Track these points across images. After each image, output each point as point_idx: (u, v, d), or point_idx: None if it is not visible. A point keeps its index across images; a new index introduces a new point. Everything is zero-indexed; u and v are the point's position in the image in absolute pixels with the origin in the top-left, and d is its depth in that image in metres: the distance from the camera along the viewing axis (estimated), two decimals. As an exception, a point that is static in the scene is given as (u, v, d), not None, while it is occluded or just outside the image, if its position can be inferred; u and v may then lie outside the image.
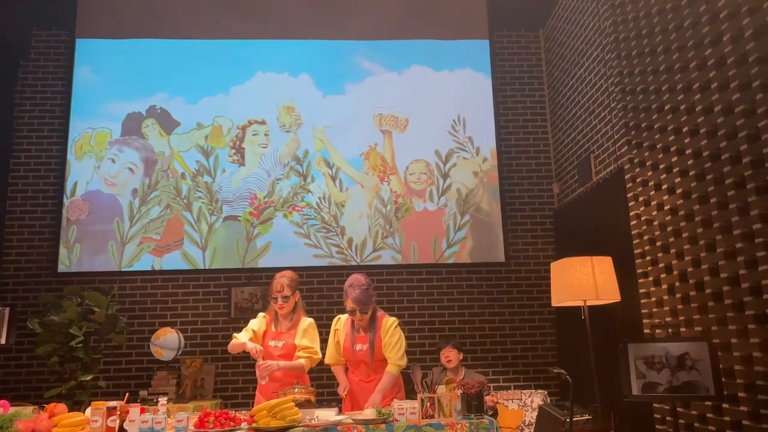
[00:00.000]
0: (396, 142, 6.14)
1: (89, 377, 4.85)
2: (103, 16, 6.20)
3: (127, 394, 3.44)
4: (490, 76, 6.32)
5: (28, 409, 3.11)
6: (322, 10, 6.35)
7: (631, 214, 4.49)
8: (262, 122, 6.10)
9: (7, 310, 4.90)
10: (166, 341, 5.11)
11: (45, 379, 5.31)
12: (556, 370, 3.75)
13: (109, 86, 6.09)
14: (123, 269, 5.73)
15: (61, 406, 3.04)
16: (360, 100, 6.18)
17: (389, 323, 3.59)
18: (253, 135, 6.06)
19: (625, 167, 4.59)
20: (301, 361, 3.56)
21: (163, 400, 3.08)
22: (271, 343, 3.65)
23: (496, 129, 6.23)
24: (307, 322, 3.70)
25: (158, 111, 6.07)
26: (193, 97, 6.10)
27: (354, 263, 5.86)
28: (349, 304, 3.55)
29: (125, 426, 2.92)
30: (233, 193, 5.93)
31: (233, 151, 6.02)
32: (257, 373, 3.47)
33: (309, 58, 6.24)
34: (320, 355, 3.66)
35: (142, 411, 2.96)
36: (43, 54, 6.20)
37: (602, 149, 5.07)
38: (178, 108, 6.08)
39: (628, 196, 4.53)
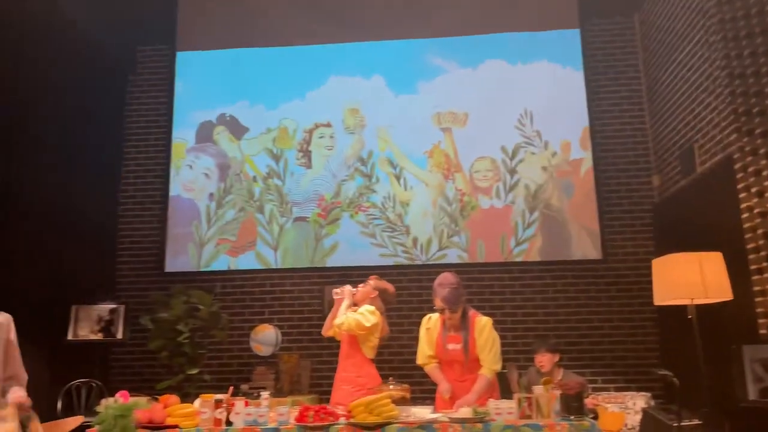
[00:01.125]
0: (460, 138, 6.06)
1: (195, 371, 5.13)
2: (197, 30, 6.52)
3: (231, 387, 3.61)
4: (582, 67, 6.09)
5: (144, 400, 3.33)
6: (402, 11, 6.34)
7: (742, 206, 4.18)
8: (328, 125, 6.21)
9: (122, 308, 5.29)
10: (265, 337, 5.32)
11: (157, 373, 5.66)
12: (661, 372, 3.57)
13: (193, 97, 6.41)
14: (201, 269, 6.02)
15: (174, 398, 3.24)
16: (429, 99, 6.14)
17: (483, 323, 3.54)
18: (320, 138, 6.20)
19: (735, 156, 4.28)
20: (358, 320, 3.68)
21: (265, 394, 3.21)
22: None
23: (589, 121, 6.00)
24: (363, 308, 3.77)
25: (227, 118, 6.33)
26: (272, 103, 6.30)
27: (419, 262, 5.85)
28: (438, 303, 3.53)
29: (231, 418, 3.06)
30: (302, 195, 6.10)
31: (300, 154, 6.18)
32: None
33: (382, 59, 6.28)
34: (368, 324, 3.68)
35: (246, 404, 3.10)
36: (148, 68, 6.62)
37: (707, 138, 4.76)
38: (253, 114, 6.29)
39: (739, 187, 4.22)
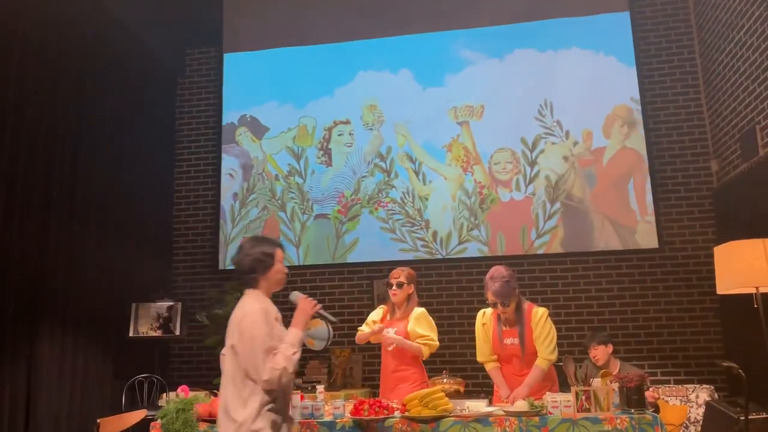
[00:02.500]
0: (479, 131, 5.98)
1: (250, 366, 5.23)
2: (242, 32, 6.62)
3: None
4: (633, 50, 5.91)
5: (203, 394, 3.43)
6: (433, 2, 6.30)
7: (810, 189, 3.98)
8: (347, 122, 6.22)
9: (179, 305, 5.45)
10: (317, 331, 5.33)
11: (213, 367, 5.77)
12: (725, 364, 3.44)
13: (228, 98, 6.56)
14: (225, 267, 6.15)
15: (232, 392, 3.30)
16: (450, 92, 6.09)
17: (539, 314, 3.46)
18: (339, 135, 6.22)
19: (801, 137, 4.07)
20: (421, 346, 3.66)
21: (320, 387, 3.25)
22: (386, 332, 3.75)
23: (642, 105, 5.81)
24: (419, 311, 3.78)
25: (248, 119, 6.43)
26: (300, 101, 6.36)
27: (439, 256, 5.82)
28: (490, 297, 3.47)
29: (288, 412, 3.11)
30: (322, 193, 6.16)
31: (321, 152, 6.22)
32: (383, 343, 3.73)
33: (410, 53, 6.24)
34: (437, 344, 3.74)
35: (302, 398, 3.14)
36: (196, 71, 6.78)
37: (770, 119, 4.54)
38: (278, 114, 6.36)
39: (806, 169, 4.01)
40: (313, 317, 2.66)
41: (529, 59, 6.06)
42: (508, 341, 3.50)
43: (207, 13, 6.50)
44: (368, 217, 6.06)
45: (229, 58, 6.61)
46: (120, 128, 5.62)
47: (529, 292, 5.59)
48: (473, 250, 5.83)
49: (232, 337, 2.53)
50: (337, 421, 3.03)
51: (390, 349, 3.71)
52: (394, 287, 3.78)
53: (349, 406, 3.11)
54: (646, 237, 5.63)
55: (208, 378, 5.72)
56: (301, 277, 6.07)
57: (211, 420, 3.09)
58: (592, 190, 5.77)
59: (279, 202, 6.24)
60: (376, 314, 3.95)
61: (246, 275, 2.64)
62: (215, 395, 3.44)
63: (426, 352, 3.69)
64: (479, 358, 3.66)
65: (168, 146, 6.54)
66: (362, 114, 6.25)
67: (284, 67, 6.48)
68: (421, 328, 3.70)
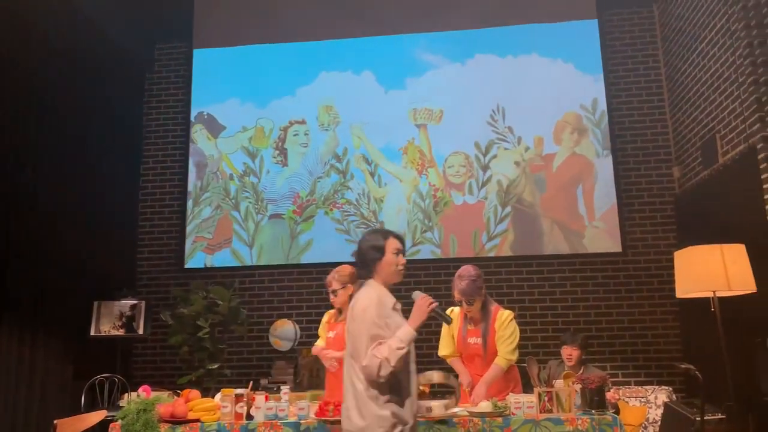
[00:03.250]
0: (435, 134, 6.05)
1: (215, 366, 5.18)
2: (213, 28, 6.54)
3: (251, 382, 3.63)
4: (599, 58, 6.02)
5: (166, 394, 3.37)
6: (403, 4, 6.33)
7: (765, 197, 4.11)
8: (302, 122, 6.22)
9: (143, 304, 5.35)
10: (284, 332, 5.36)
11: (177, 367, 5.72)
12: (683, 366, 3.53)
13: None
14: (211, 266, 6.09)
15: (195, 392, 3.27)
16: (407, 95, 6.14)
17: (504, 316, 3.51)
18: (294, 135, 6.21)
19: (758, 146, 4.20)
20: None
21: (285, 388, 3.23)
22: (329, 334, 3.77)
23: (608, 113, 5.93)
24: None
25: (205, 117, 6.38)
26: (262, 100, 6.32)
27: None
28: (456, 295, 3.52)
29: (252, 412, 3.09)
30: (277, 193, 6.13)
31: (277, 152, 6.20)
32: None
33: (373, 54, 6.26)
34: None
35: (266, 399, 3.12)
36: (165, 66, 6.67)
37: (729, 128, 4.68)
38: (238, 112, 6.32)
39: (762, 177, 4.15)
40: (430, 315, 2.58)
41: (489, 64, 6.14)
42: (471, 340, 3.54)
43: (178, 9, 6.39)
44: (323, 218, 6.06)
45: (198, 54, 6.52)
46: (84, 123, 5.50)
47: (495, 294, 5.66)
48: (426, 252, 5.88)
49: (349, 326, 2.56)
50: (302, 422, 3.01)
51: (333, 370, 3.61)
52: (330, 295, 3.75)
53: (314, 407, 3.10)
54: (594, 241, 5.74)
55: (171, 378, 5.63)
56: (250, 278, 6.03)
57: (174, 421, 3.05)
58: (542, 195, 5.87)
59: (233, 201, 6.19)
60: (322, 326, 3.91)
61: (364, 268, 2.65)
62: (178, 395, 3.39)
63: None
64: (440, 352, 3.71)
65: (134, 142, 6.42)
66: (318, 114, 6.25)
67: (251, 65, 6.43)
68: None
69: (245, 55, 6.45)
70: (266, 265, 6.04)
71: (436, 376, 3.24)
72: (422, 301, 2.58)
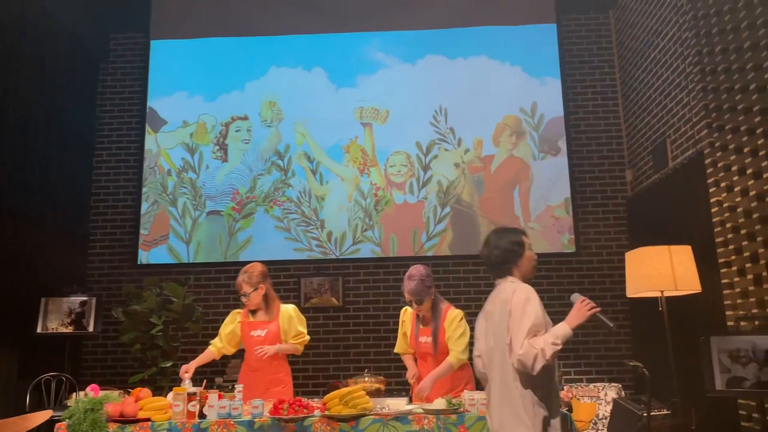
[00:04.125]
0: (378, 133, 6.09)
1: (169, 364, 5.08)
2: (170, 18, 6.42)
3: (205, 380, 3.58)
4: (558, 61, 6.15)
5: (115, 393, 3.29)
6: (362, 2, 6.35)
7: (712, 200, 4.26)
8: (245, 118, 6.18)
9: (93, 300, 5.20)
10: (240, 330, 5.26)
11: (129, 366, 5.59)
12: (632, 363, 3.63)
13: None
14: (173, 262, 5.98)
15: (146, 391, 3.20)
16: (355, 93, 6.16)
17: (454, 315, 3.54)
18: (236, 131, 6.16)
19: (705, 151, 4.36)
20: (296, 346, 3.70)
21: (239, 387, 3.19)
22: (253, 333, 3.68)
23: (565, 115, 6.05)
24: (290, 308, 3.76)
25: (147, 110, 6.27)
26: (211, 94, 6.25)
27: (333, 256, 5.89)
28: (406, 295, 3.54)
29: (204, 411, 3.04)
30: (216, 189, 6.07)
31: (217, 147, 6.14)
32: (249, 357, 3.65)
33: (325, 51, 6.25)
34: (308, 338, 3.77)
35: (220, 397, 3.07)
36: (121, 56, 6.50)
37: (679, 133, 4.84)
38: (180, 106, 6.22)
39: (709, 181, 4.30)
40: (592, 321, 2.51)
41: (438, 65, 6.20)
42: (422, 339, 3.57)
43: (134, 1, 6.25)
44: (263, 215, 6.01)
45: (156, 46, 6.38)
46: (33, 113, 5.30)
47: (453, 293, 5.72)
48: (366, 250, 5.91)
49: (500, 326, 2.47)
50: (256, 420, 2.98)
51: (265, 357, 3.60)
52: (243, 299, 3.71)
53: (268, 405, 3.07)
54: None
55: (123, 377, 5.51)
56: (205, 274, 5.94)
57: (123, 420, 2.97)
58: (480, 196, 5.97)
59: (170, 197, 6.09)
60: (228, 327, 3.78)
61: (499, 267, 2.59)
62: (128, 394, 3.31)
63: (300, 350, 3.75)
64: (396, 350, 3.80)
65: (87, 134, 6.23)
66: (261, 110, 6.20)
67: (205, 58, 6.33)
68: (293, 326, 3.71)
69: (201, 48, 6.35)
70: (222, 262, 5.96)
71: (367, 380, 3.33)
72: (582, 305, 2.51)
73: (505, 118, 6.09)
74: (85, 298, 5.18)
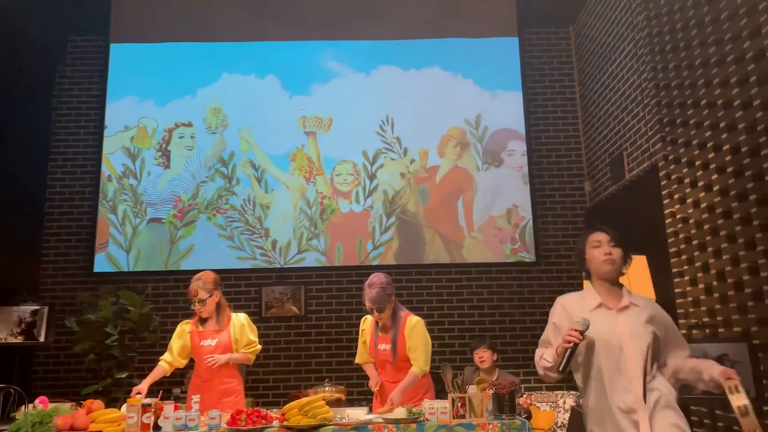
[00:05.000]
0: (324, 142, 6.10)
1: (124, 375, 4.94)
2: (133, 22, 6.31)
3: (162, 391, 3.50)
4: (519, 73, 6.26)
5: (67, 406, 3.18)
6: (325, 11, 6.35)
7: (666, 212, 4.39)
8: (189, 124, 6.12)
9: (45, 309, 5.04)
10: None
11: (82, 377, 5.42)
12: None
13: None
14: (132, 270, 5.84)
15: (98, 403, 3.10)
16: (313, 101, 6.16)
17: (413, 323, 3.53)
18: (180, 137, 6.10)
19: (660, 164, 4.49)
20: (248, 355, 3.66)
21: (196, 398, 3.12)
22: (204, 343, 3.63)
23: (526, 127, 6.16)
24: (241, 317, 3.74)
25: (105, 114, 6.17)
26: (162, 99, 6.16)
27: (277, 265, 5.85)
28: (367, 304, 3.52)
29: (160, 423, 2.96)
30: (158, 196, 5.98)
31: (159, 153, 6.07)
32: (200, 367, 3.57)
33: (280, 59, 6.24)
34: (260, 347, 3.74)
35: (176, 408, 3.00)
36: (79, 59, 6.35)
37: (635, 146, 4.97)
38: (126, 111, 6.12)
39: (663, 193, 4.43)
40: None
41: (390, 76, 6.24)
42: (381, 347, 3.56)
43: (94, 1, 6.11)
44: (206, 223, 5.93)
45: (115, 49, 6.25)
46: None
47: (416, 301, 5.74)
48: (311, 259, 5.89)
49: None
50: (213, 431, 2.92)
51: (215, 366, 3.54)
52: (196, 305, 3.64)
53: (226, 417, 3.01)
54: (473, 252, 5.93)
55: (76, 388, 5.33)
56: (164, 283, 5.83)
57: (73, 433, 2.88)
58: (425, 206, 6.03)
59: (110, 203, 5.96)
60: (178, 340, 3.72)
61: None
62: (80, 406, 3.20)
63: (252, 359, 3.71)
64: (357, 359, 3.75)
65: (42, 138, 6.05)
66: (206, 117, 6.13)
67: (161, 62, 6.23)
68: (245, 335, 3.67)
69: (159, 53, 6.26)
70: (182, 270, 5.84)
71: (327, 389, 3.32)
72: (566, 333, 2.31)
73: (451, 130, 6.16)
74: (36, 307, 5.02)
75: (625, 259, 2.47)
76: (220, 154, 6.06)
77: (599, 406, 2.36)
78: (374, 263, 5.85)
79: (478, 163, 6.11)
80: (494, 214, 6.00)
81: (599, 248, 2.45)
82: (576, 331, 2.28)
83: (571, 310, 2.47)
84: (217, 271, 5.80)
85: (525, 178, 6.07)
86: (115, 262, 5.84)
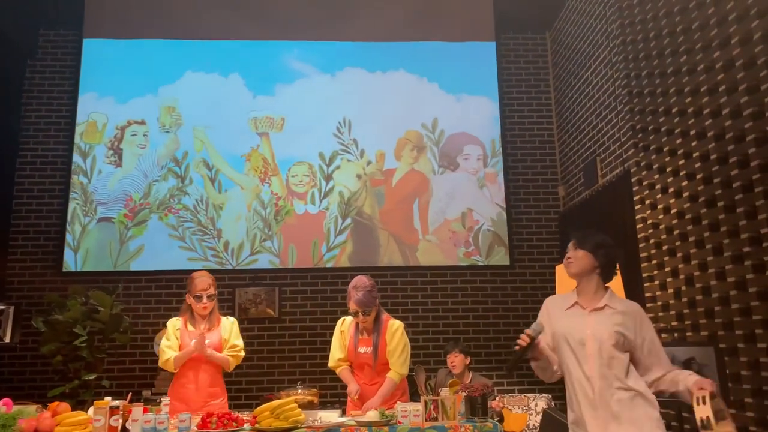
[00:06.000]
0: (279, 143, 6.06)
1: (93, 377, 4.85)
2: (107, 17, 6.20)
3: (130, 393, 3.43)
4: (496, 78, 6.29)
5: (32, 408, 3.10)
6: (320, 12, 6.32)
7: (637, 217, 4.46)
8: (142, 122, 6.05)
9: (11, 309, 4.91)
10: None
11: (49, 378, 5.31)
12: (559, 374, 3.71)
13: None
14: (103, 269, 5.73)
15: (64, 405, 3.03)
16: (272, 102, 6.13)
17: (394, 327, 3.54)
18: (132, 135, 6.02)
19: (632, 170, 4.57)
20: (229, 358, 3.60)
21: (165, 400, 3.07)
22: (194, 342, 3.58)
23: (501, 131, 6.20)
24: (231, 320, 3.73)
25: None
26: (123, 97, 6.07)
27: (229, 266, 5.80)
28: (352, 306, 3.51)
29: (128, 425, 2.91)
30: (108, 195, 5.89)
31: (111, 152, 5.98)
32: (195, 343, 3.47)
33: (245, 58, 6.18)
34: (243, 354, 3.69)
35: (145, 411, 2.95)
36: (51, 54, 6.22)
37: (608, 152, 5.05)
38: (82, 108, 6.01)
39: (635, 199, 4.50)
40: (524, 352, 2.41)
41: (354, 78, 6.22)
42: (362, 350, 3.55)
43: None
44: (157, 223, 5.84)
45: (87, 44, 6.14)
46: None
47: (390, 303, 5.73)
48: (264, 261, 5.84)
49: None
50: (182, 434, 2.88)
51: (206, 353, 3.48)
52: (204, 300, 3.59)
53: (196, 419, 2.97)
54: (427, 255, 5.95)
55: (42, 390, 5.21)
56: (135, 283, 5.73)
57: (38, 436, 2.81)
58: (380, 208, 6.03)
59: None
60: (172, 337, 3.61)
61: (607, 268, 2.54)
62: (45, 408, 3.13)
63: (233, 364, 3.64)
64: (330, 363, 3.68)
65: (12, 134, 5.91)
66: (160, 115, 6.05)
67: (128, 59, 6.12)
68: (232, 339, 3.65)
69: (129, 49, 6.14)
70: (153, 271, 5.76)
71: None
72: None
73: (407, 133, 6.17)
74: (2, 307, 4.89)
75: (597, 257, 2.50)
76: (174, 153, 5.97)
77: (570, 401, 2.48)
78: (329, 265, 5.83)
79: (435, 166, 6.13)
80: (449, 218, 6.02)
81: (567, 252, 2.59)
82: (527, 335, 2.40)
83: (551, 310, 2.58)
84: (189, 271, 5.76)
85: (480, 182, 6.09)
86: (63, 262, 5.72)
